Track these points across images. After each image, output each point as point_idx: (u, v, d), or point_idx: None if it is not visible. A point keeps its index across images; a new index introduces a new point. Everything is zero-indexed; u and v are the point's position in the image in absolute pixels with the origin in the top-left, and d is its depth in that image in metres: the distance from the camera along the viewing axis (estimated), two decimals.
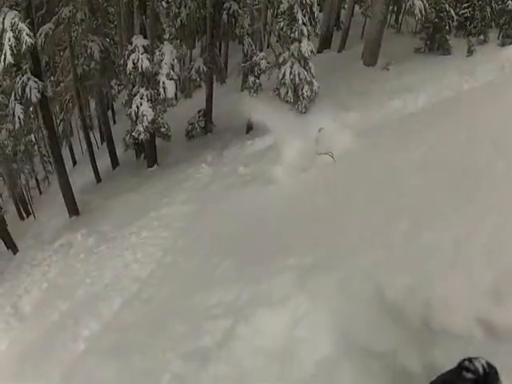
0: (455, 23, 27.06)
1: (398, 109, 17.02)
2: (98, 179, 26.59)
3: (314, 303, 5.80)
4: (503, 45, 25.11)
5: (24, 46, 17.09)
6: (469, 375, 2.78)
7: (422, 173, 7.25)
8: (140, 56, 20.26)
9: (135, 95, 21.20)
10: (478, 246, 4.69)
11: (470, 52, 23.78)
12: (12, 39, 16.95)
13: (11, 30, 16.97)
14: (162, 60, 20.58)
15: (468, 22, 27.97)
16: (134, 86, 21.73)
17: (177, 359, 6.57)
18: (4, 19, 16.96)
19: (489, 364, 2.82)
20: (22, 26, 17.05)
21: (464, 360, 2.87)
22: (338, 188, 9.44)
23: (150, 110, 20.76)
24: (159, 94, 20.72)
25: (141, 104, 20.79)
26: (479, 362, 2.82)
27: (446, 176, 6.58)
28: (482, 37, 26.96)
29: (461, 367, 2.85)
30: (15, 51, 17.13)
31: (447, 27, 26.15)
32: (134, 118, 21.00)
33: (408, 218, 6.14)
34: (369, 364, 4.68)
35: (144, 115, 20.57)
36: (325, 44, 29.61)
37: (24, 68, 20.31)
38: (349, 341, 5.11)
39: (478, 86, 14.66)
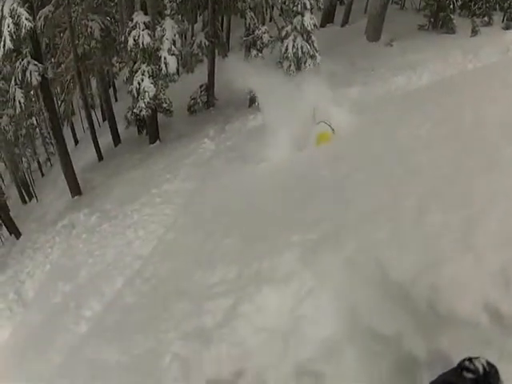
0: (459, 2, 26.83)
1: (402, 85, 16.93)
2: (100, 157, 26.58)
3: (319, 281, 5.71)
4: (507, 28, 25.03)
5: (23, 30, 17.15)
6: (469, 375, 2.77)
7: (428, 150, 7.07)
8: (141, 32, 20.12)
9: (136, 72, 21.09)
10: (487, 229, 4.55)
11: (475, 32, 23.64)
12: (11, 25, 16.98)
13: (10, 17, 17.00)
14: (163, 35, 20.41)
15: (472, 3, 27.66)
16: (135, 63, 21.57)
17: (178, 340, 6.48)
18: (3, 6, 16.94)
19: (489, 363, 2.82)
20: (21, 10, 17.15)
21: (464, 360, 2.87)
22: (340, 164, 9.28)
23: (152, 85, 20.67)
24: (161, 70, 20.58)
25: (142, 80, 20.69)
26: (479, 361, 2.81)
27: (452, 155, 6.42)
28: (486, 18, 26.73)
29: (461, 367, 2.85)
30: (14, 37, 17.16)
31: (451, 6, 25.92)
32: (136, 95, 20.93)
33: (415, 197, 5.98)
34: (373, 346, 4.61)
35: (145, 91, 20.48)
36: (328, 18, 29.36)
37: (24, 52, 20.20)
38: (353, 322, 5.02)
39: (481, 67, 14.50)
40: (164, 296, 8.42)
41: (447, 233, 4.85)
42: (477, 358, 2.83)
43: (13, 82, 20.89)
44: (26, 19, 17.08)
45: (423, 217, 5.44)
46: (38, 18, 22.11)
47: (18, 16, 16.99)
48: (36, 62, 19.98)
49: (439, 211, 5.33)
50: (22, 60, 20.03)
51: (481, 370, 2.75)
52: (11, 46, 17.28)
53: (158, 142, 24.08)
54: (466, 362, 2.83)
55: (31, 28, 17.45)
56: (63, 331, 11.61)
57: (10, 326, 14.55)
